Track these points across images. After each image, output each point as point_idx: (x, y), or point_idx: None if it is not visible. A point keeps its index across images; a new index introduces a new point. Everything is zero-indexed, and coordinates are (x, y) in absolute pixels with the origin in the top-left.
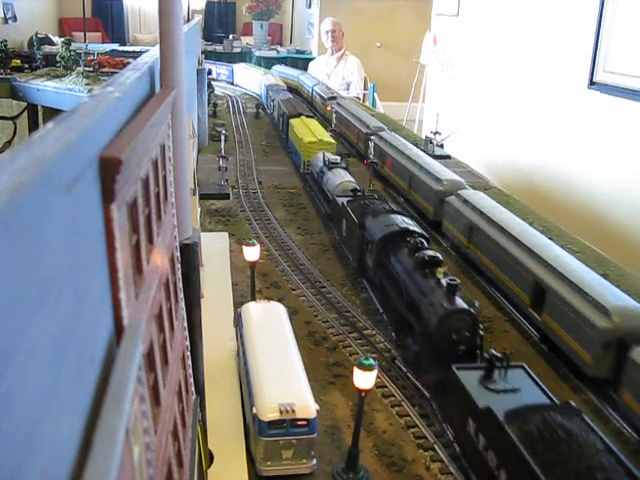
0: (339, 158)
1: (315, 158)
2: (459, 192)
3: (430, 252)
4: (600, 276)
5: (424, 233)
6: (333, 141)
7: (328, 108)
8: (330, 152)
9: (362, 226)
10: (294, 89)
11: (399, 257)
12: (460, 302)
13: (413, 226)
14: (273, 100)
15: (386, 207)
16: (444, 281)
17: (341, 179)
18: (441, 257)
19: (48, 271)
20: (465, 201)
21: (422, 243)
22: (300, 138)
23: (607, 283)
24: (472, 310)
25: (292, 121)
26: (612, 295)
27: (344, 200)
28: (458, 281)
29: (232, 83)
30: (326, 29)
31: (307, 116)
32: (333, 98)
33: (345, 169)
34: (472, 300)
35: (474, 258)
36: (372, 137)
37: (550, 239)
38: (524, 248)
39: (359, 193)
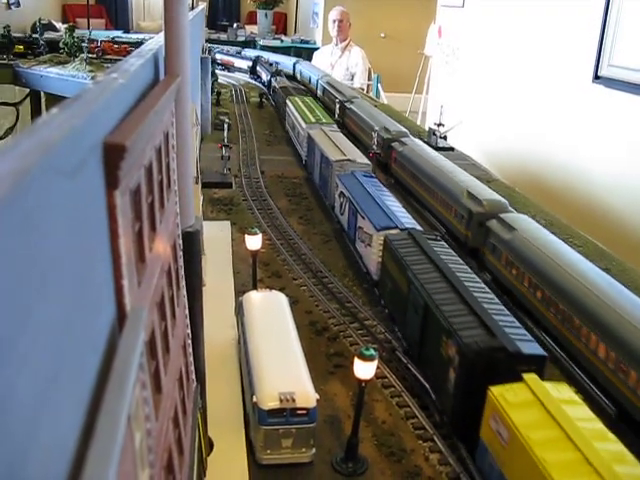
0: None
1: None
2: (401, 139)
3: None
4: (479, 181)
5: None
6: None
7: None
8: None
9: None
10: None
11: None
12: None
13: None
14: (356, 214)
15: None
16: None
17: None
18: None
19: (51, 257)
20: (404, 144)
21: None
22: None
23: (484, 186)
24: None
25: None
26: (485, 192)
27: None
28: None
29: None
30: (333, 18)
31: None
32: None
33: None
34: None
35: (411, 189)
36: (346, 103)
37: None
38: (440, 174)
39: None
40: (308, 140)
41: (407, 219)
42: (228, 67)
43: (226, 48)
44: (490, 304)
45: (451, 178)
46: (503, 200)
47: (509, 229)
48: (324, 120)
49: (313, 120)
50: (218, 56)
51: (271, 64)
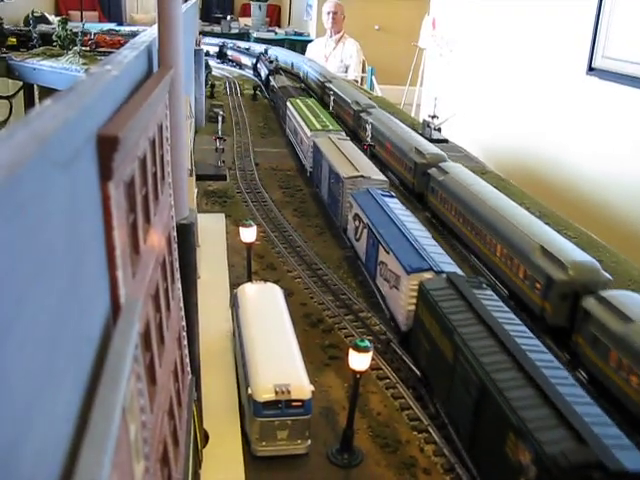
0: None
1: None
2: (369, 110)
3: None
4: (426, 140)
5: None
6: None
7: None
8: None
9: None
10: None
11: None
12: None
13: None
14: (377, 245)
15: None
16: None
17: None
18: None
19: (45, 248)
20: (371, 114)
21: None
22: None
23: (429, 144)
24: None
25: None
26: (429, 148)
27: None
28: None
29: None
30: (328, 10)
31: None
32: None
33: None
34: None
35: (374, 150)
36: (326, 84)
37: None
38: (396, 136)
39: None
40: (314, 150)
41: (441, 256)
42: (240, 64)
43: (237, 44)
44: (566, 387)
45: (404, 139)
46: (442, 153)
47: (444, 173)
48: (331, 127)
49: (319, 127)
50: (229, 52)
51: (271, 61)
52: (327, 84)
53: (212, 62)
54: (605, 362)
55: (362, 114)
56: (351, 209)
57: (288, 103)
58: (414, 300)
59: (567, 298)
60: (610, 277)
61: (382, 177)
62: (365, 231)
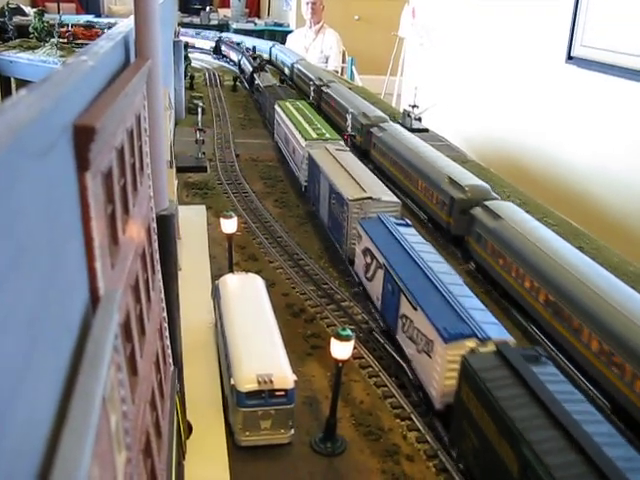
0: None
1: None
2: (329, 84)
3: None
4: (372, 106)
5: None
6: None
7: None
8: None
9: None
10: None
11: None
12: None
13: None
14: (398, 293)
15: None
16: None
17: None
18: None
19: (22, 238)
20: (329, 87)
21: None
22: None
23: (373, 108)
24: None
25: None
26: (372, 112)
27: None
28: None
29: None
30: (307, 0)
31: None
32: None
33: None
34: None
35: (331, 117)
36: (294, 65)
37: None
38: (348, 101)
39: None
40: (309, 163)
41: (483, 314)
42: (231, 59)
43: (232, 39)
44: None
45: (356, 104)
46: (384, 115)
47: (382, 131)
48: (328, 135)
49: (314, 136)
50: (223, 47)
51: (255, 58)
52: (295, 65)
53: (208, 58)
54: (484, 251)
55: (323, 88)
56: (360, 240)
57: (277, 106)
58: (453, 374)
59: (465, 212)
60: (497, 196)
61: (394, 198)
62: (380, 272)
